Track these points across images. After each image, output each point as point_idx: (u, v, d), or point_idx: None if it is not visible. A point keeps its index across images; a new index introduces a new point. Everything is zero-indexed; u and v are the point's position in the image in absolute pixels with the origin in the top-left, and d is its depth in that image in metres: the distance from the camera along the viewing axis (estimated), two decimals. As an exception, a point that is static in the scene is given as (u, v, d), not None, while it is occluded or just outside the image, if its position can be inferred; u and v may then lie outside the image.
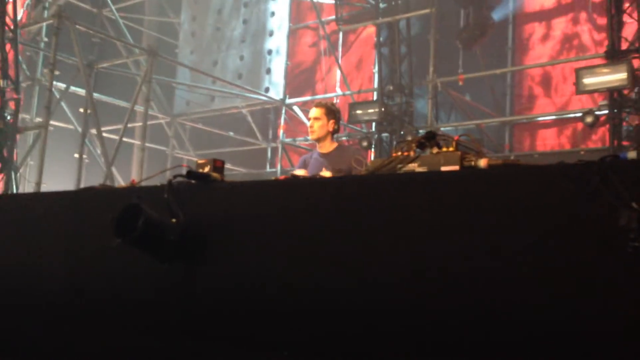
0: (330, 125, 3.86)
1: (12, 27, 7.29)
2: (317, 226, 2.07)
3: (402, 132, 8.48)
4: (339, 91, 10.71)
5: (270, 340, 2.09)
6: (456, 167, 1.96)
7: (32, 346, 3.16)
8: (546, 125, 9.31)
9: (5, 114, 6.70)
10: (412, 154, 2.09)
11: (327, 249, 2.02)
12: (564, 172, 1.56)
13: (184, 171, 2.57)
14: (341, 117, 4.09)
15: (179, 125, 11.96)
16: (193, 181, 2.57)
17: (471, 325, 1.59)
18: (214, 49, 11.73)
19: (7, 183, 6.74)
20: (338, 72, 10.88)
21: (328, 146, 3.88)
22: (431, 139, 2.05)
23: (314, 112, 3.92)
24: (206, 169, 2.69)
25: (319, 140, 3.91)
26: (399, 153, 2.11)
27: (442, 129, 8.46)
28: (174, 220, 2.35)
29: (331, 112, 3.91)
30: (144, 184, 3.10)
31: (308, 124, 4.04)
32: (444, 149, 2.04)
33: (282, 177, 2.72)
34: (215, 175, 2.67)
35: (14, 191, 6.73)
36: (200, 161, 2.75)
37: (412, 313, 1.75)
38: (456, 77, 8.78)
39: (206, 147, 11.44)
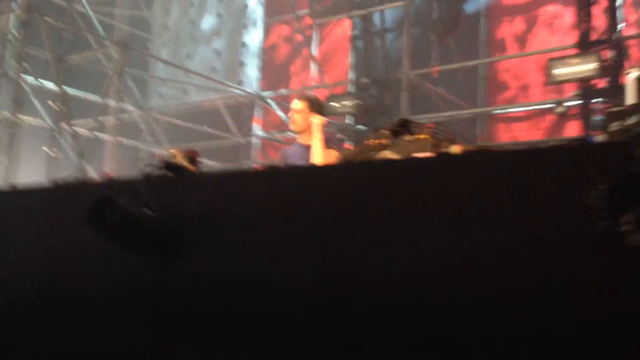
0: (312, 118, 3.86)
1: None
2: (292, 216, 2.07)
3: (377, 124, 8.51)
4: (314, 84, 10.69)
5: (246, 335, 2.08)
6: (430, 154, 1.98)
7: (7, 343, 3.11)
8: (520, 117, 9.43)
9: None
10: (385, 141, 2.10)
11: (302, 240, 2.02)
12: (535, 156, 1.59)
13: (161, 163, 2.56)
14: (326, 110, 4.10)
15: (152, 119, 11.84)
16: (167, 173, 2.55)
17: (442, 318, 1.61)
18: (188, 43, 11.63)
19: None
20: (313, 65, 10.87)
21: (309, 138, 3.87)
22: (404, 126, 2.06)
23: (296, 104, 3.93)
24: (180, 160, 2.68)
25: (300, 132, 3.92)
26: (373, 141, 2.12)
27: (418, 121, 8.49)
28: (148, 212, 2.33)
29: (314, 105, 3.93)
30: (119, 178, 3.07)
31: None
32: (417, 136, 2.06)
33: (258, 167, 2.72)
34: (190, 166, 2.66)
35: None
36: (172, 151, 2.73)
37: (386, 306, 1.76)
38: (430, 69, 8.83)
39: (181, 142, 11.32)
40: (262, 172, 2.42)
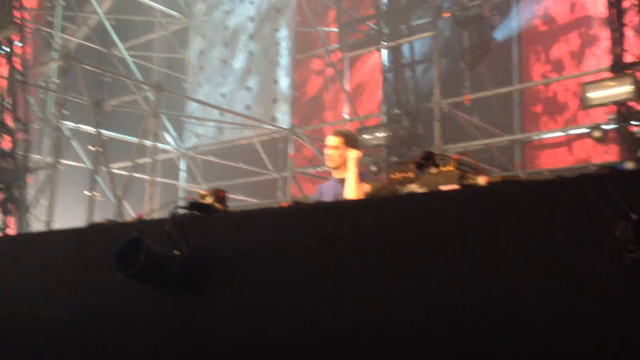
0: (348, 152, 3.83)
1: (21, 70, 7.43)
2: (319, 252, 2.05)
3: (409, 155, 8.46)
4: (346, 117, 10.74)
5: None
6: (455, 186, 1.94)
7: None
8: (557, 143, 9.26)
9: (15, 155, 6.79)
10: (411, 175, 2.07)
11: (331, 276, 1.99)
12: (561, 186, 1.54)
13: (187, 202, 2.57)
14: (360, 144, 4.06)
15: (190, 158, 12.04)
16: (195, 212, 2.57)
17: (471, 344, 1.56)
18: (222, 82, 11.85)
19: (19, 223, 6.79)
20: (345, 99, 10.93)
21: (345, 172, 3.83)
22: (429, 158, 2.03)
23: (331, 140, 3.91)
24: (209, 200, 2.69)
25: (336, 168, 3.89)
26: (398, 175, 2.09)
27: (452, 150, 8.43)
28: (176, 252, 2.34)
29: (349, 140, 3.91)
30: (154, 217, 3.11)
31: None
32: (443, 169, 2.03)
33: (284, 203, 2.72)
34: (217, 205, 2.67)
35: (25, 231, 6.79)
36: (202, 192, 2.75)
37: (414, 337, 1.72)
38: (462, 98, 8.78)
39: (217, 179, 11.47)
40: (288, 209, 2.41)
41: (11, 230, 6.80)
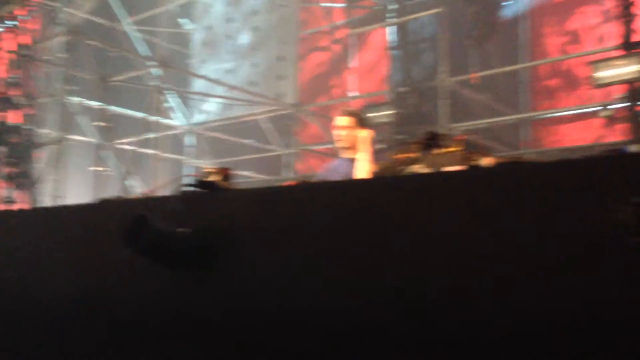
0: (359, 132, 3.80)
1: (27, 44, 7.43)
2: (323, 231, 2.06)
3: (416, 133, 8.44)
4: (352, 94, 10.69)
5: (278, 352, 2.08)
6: (460, 167, 1.94)
7: (39, 356, 3.19)
8: (565, 121, 9.21)
9: (22, 130, 6.82)
10: (414, 155, 2.07)
11: (338, 256, 2.00)
12: (565, 167, 1.54)
13: (194, 180, 2.58)
14: (369, 122, 4.04)
15: (196, 134, 12.04)
16: (200, 190, 2.58)
17: (475, 328, 1.57)
18: (227, 58, 11.80)
19: (28, 198, 6.86)
20: (351, 76, 10.88)
21: (354, 152, 3.81)
22: (433, 139, 2.03)
23: (342, 120, 3.87)
24: (214, 177, 2.70)
25: (347, 148, 3.87)
26: (402, 155, 2.10)
27: (459, 129, 8.40)
28: (182, 229, 2.36)
29: (360, 119, 3.88)
30: (161, 194, 3.13)
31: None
32: (448, 149, 2.03)
33: (288, 182, 2.73)
34: (223, 183, 2.68)
35: (34, 206, 6.84)
36: (207, 169, 2.76)
37: (417, 322, 1.73)
38: (469, 76, 8.72)
39: (224, 156, 11.49)
40: (295, 188, 2.42)
41: (20, 205, 6.85)
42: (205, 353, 2.30)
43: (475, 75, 8.64)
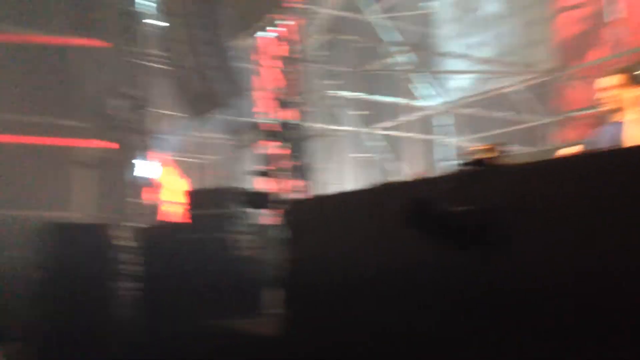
0: (630, 92, 3.49)
1: (291, 47, 8.27)
2: (598, 205, 1.97)
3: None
4: (616, 52, 9.73)
5: (566, 332, 2.05)
6: None
7: (338, 334, 3.53)
8: None
9: (299, 126, 7.66)
10: None
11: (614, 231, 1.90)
12: None
13: (467, 159, 2.67)
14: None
15: (450, 113, 12.07)
16: (473, 168, 2.66)
17: None
18: (474, 31, 11.60)
19: (307, 187, 7.67)
20: (613, 30, 9.89)
21: (625, 115, 3.53)
22: None
23: (608, 80, 3.59)
24: (483, 154, 2.76)
25: (616, 110, 3.60)
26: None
27: None
28: (462, 208, 2.46)
29: (632, 76, 3.55)
30: (431, 175, 3.28)
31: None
32: None
33: (562, 152, 2.65)
34: (491, 159, 2.72)
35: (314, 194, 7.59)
36: (476, 147, 2.82)
37: None
38: None
39: (481, 132, 11.35)
40: (567, 159, 2.35)
41: (301, 195, 7.67)
42: (495, 331, 2.37)
43: None
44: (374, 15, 11.02)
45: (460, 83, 11.85)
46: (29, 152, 11.82)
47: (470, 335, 2.51)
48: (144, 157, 10.76)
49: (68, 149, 12.72)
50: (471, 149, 2.86)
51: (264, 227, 7.35)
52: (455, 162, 2.66)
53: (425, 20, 12.96)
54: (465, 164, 2.66)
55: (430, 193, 2.38)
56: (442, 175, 2.71)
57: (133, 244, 8.34)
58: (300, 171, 7.72)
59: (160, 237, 8.09)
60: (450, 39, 12.10)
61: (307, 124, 7.90)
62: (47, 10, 12.44)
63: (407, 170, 9.25)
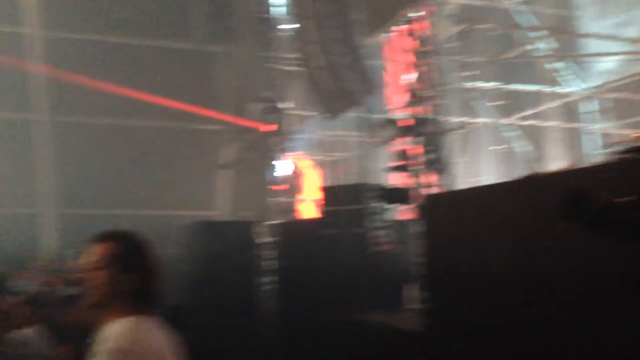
0: None
1: (423, 40, 8.17)
2: None
3: None
4: None
5: None
6: None
7: (487, 328, 3.46)
8: None
9: (432, 120, 7.55)
10: None
11: None
12: None
13: (624, 146, 2.52)
14: None
15: (595, 99, 11.28)
16: (634, 156, 2.49)
17: None
18: (617, 10, 10.75)
19: (443, 181, 7.55)
20: None
21: None
22: None
23: None
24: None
25: None
26: None
27: None
28: (621, 198, 2.31)
29: None
30: (584, 164, 3.12)
31: None
32: None
33: None
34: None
35: (450, 188, 7.45)
36: (633, 134, 2.65)
37: None
38: None
39: (630, 117, 10.51)
40: None
41: (437, 188, 7.56)
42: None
43: None
44: (508, 1, 10.57)
45: (606, 66, 11.04)
46: (179, 157, 12.77)
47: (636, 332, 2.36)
48: (282, 157, 11.17)
49: (212, 153, 13.53)
50: (628, 135, 2.69)
51: (401, 223, 7.33)
52: (606, 150, 2.50)
53: (564, 2, 12.23)
54: (624, 152, 2.50)
55: (589, 183, 2.25)
56: (598, 164, 2.58)
57: (274, 239, 8.71)
58: (436, 165, 7.61)
59: (301, 232, 8.36)
60: (592, 20, 11.31)
61: (442, 118, 7.75)
62: (185, 20, 13.32)
63: (549, 161, 8.80)
